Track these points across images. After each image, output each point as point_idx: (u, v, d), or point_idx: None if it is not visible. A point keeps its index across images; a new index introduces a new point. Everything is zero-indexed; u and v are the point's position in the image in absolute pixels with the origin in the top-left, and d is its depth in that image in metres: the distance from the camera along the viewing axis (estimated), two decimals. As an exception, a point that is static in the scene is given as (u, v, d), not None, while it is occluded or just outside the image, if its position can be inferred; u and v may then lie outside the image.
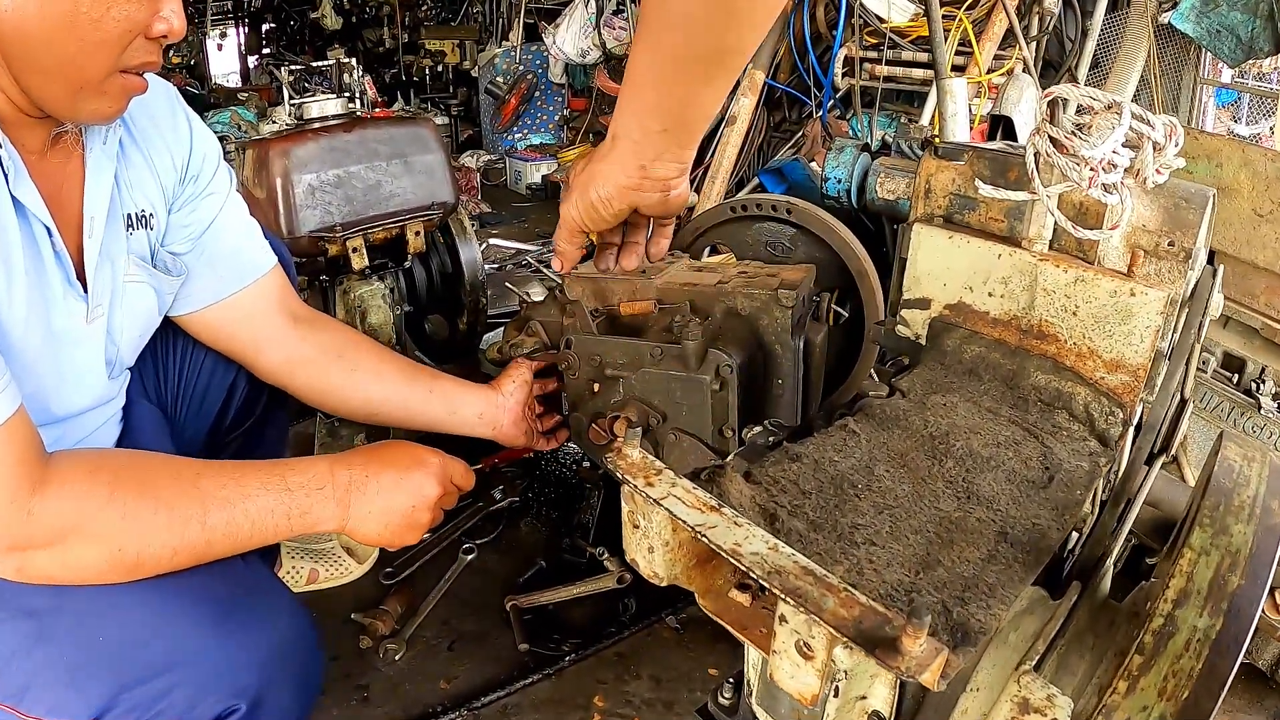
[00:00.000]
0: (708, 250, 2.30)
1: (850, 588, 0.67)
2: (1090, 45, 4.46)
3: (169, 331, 1.56)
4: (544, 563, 2.21)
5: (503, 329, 3.28)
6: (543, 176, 6.35)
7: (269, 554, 1.98)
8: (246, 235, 1.56)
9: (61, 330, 1.22)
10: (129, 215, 1.34)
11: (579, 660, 1.91)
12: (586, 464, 2.50)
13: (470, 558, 2.24)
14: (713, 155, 4.39)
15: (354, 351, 1.64)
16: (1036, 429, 1.18)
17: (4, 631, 1.11)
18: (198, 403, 1.68)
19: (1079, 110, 1.22)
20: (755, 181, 4.55)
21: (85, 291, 1.25)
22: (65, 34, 1.04)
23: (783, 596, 0.67)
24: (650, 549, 0.84)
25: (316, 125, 2.42)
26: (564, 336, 1.87)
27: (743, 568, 0.72)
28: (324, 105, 2.54)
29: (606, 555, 2.12)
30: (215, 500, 1.17)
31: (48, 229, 1.17)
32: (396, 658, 1.94)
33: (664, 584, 0.87)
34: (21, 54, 1.06)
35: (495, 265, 4.64)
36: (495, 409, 1.69)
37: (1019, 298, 1.25)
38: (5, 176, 1.08)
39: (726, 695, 1.37)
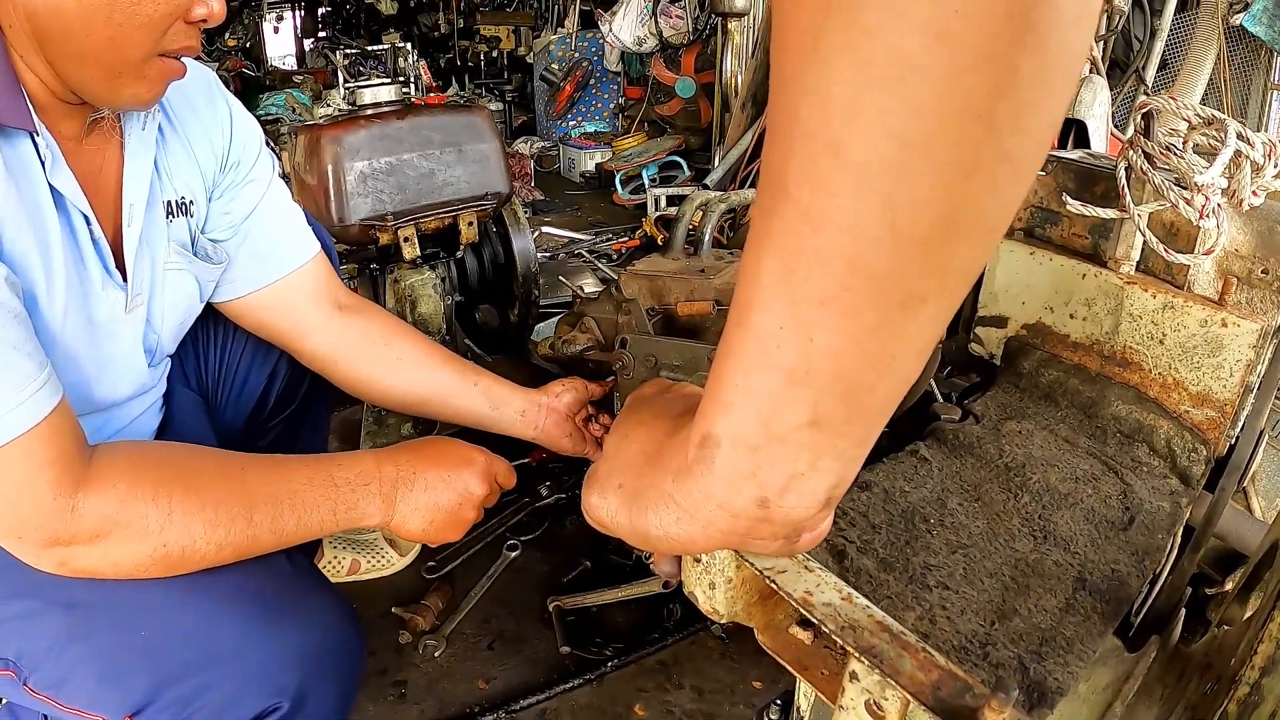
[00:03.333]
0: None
1: (929, 649, 0.62)
2: (1159, 46, 4.35)
3: (210, 318, 1.54)
4: (589, 563, 2.17)
5: (555, 321, 3.26)
6: (596, 165, 6.32)
7: (310, 544, 1.97)
8: (289, 222, 1.53)
9: (101, 319, 1.20)
10: (169, 203, 1.31)
11: (621, 666, 1.87)
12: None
13: (514, 555, 2.21)
14: (769, 150, 4.32)
15: (399, 340, 1.60)
16: (1115, 463, 1.12)
17: (44, 623, 1.10)
18: (238, 390, 1.66)
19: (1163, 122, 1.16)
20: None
21: (125, 280, 1.22)
22: (103, 17, 1.01)
23: (856, 655, 0.63)
24: (711, 585, 0.80)
25: (370, 112, 2.40)
26: (619, 335, 1.84)
27: (815, 619, 0.67)
28: (377, 92, 2.51)
29: (653, 559, 2.08)
30: (261, 496, 1.15)
31: (86, 217, 1.14)
32: (436, 655, 1.92)
33: (723, 620, 0.83)
34: (58, 38, 1.03)
35: (547, 254, 4.62)
36: (538, 410, 1.65)
37: (1103, 321, 1.18)
38: (43, 165, 1.06)
39: (773, 716, 1.33)
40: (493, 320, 2.93)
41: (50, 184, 1.07)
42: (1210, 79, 4.32)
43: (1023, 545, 0.94)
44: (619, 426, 0.76)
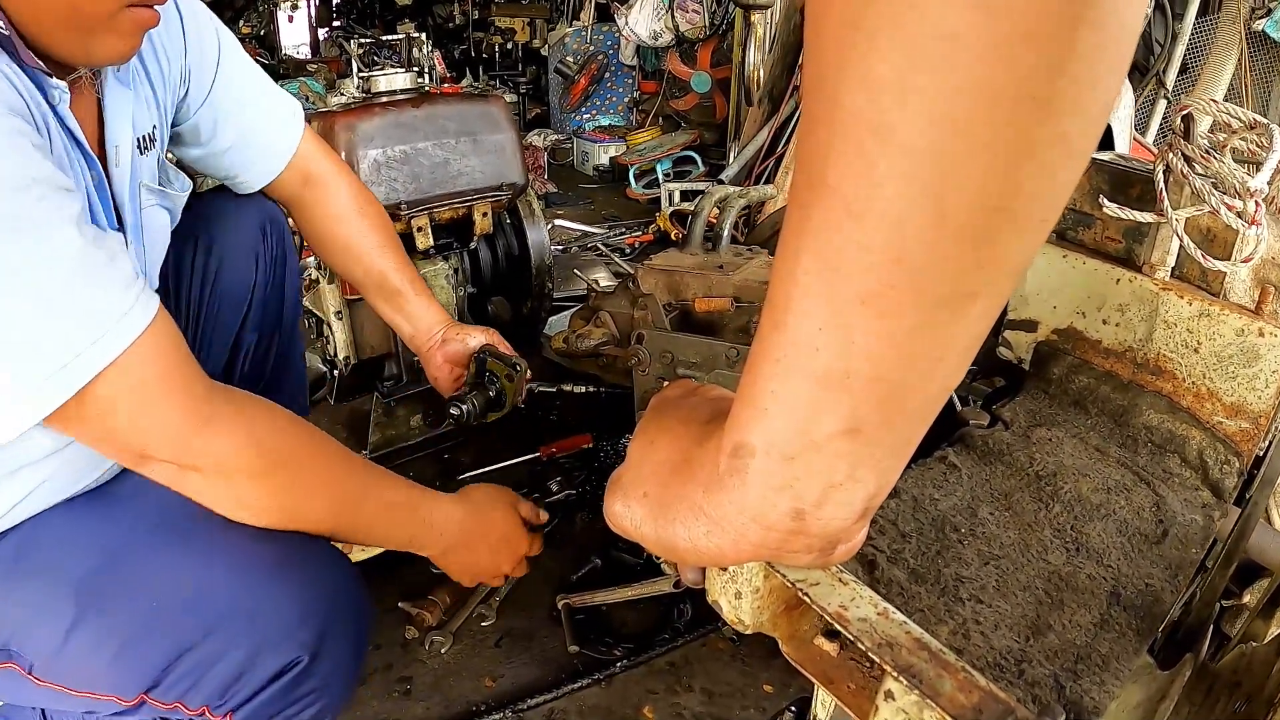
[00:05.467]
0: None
1: (969, 669, 0.60)
2: (1179, 50, 4.31)
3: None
4: (598, 560, 2.14)
5: (568, 315, 3.23)
6: (610, 158, 6.29)
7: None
8: (265, 100, 1.63)
9: None
10: (138, 139, 1.31)
11: (630, 667, 1.85)
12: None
13: (522, 551, 2.18)
14: (786, 144, 4.29)
15: (347, 225, 1.76)
16: (1147, 474, 1.09)
17: (48, 607, 1.08)
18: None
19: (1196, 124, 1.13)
20: (827, 175, 4.44)
21: (120, 224, 1.22)
22: None
23: (894, 674, 0.60)
24: (738, 595, 0.77)
25: (384, 100, 2.37)
26: (635, 330, 1.81)
27: (850, 636, 0.65)
28: (391, 79, 2.49)
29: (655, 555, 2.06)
30: (373, 491, 1.29)
31: (88, 159, 1.12)
32: (442, 651, 1.89)
33: (748, 631, 0.80)
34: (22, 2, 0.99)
35: (560, 247, 4.59)
36: (430, 340, 1.82)
37: (1136, 328, 1.15)
38: (55, 107, 1.05)
39: (787, 725, 1.30)
40: (505, 313, 2.90)
41: (66, 125, 1.07)
42: (1230, 84, 4.28)
43: (1056, 557, 0.91)
44: (644, 431, 0.72)
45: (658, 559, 2.07)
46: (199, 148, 1.55)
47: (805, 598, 0.67)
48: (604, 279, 3.74)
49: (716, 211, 2.20)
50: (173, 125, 1.48)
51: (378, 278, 1.78)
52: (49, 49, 1.04)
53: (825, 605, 0.65)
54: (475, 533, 1.45)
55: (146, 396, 1.00)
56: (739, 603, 0.77)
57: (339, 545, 2.04)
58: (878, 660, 0.61)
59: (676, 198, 5.15)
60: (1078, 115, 0.40)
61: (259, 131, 1.61)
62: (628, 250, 4.44)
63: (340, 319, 2.42)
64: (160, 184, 1.37)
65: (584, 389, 2.77)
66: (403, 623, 1.94)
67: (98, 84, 1.21)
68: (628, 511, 0.68)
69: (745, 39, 4.22)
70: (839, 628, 0.64)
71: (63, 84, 1.06)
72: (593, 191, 6.00)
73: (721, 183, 4.49)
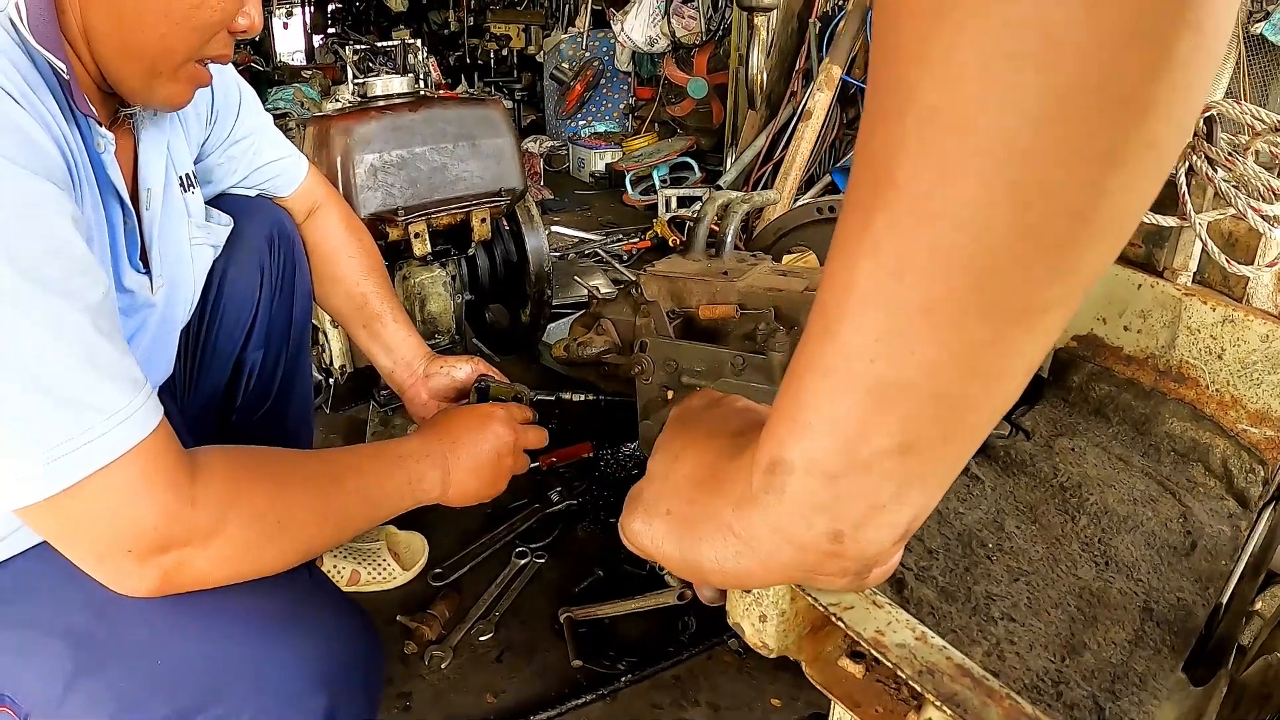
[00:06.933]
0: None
1: (1014, 695, 0.57)
2: (1179, 52, 4.30)
3: None
4: (601, 572, 2.11)
5: (565, 323, 3.20)
6: (606, 164, 6.27)
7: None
8: (275, 136, 1.65)
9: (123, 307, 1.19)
10: (181, 178, 1.34)
11: (635, 681, 1.81)
12: (651, 472, 2.40)
13: (523, 562, 2.15)
14: (784, 149, 4.26)
15: (335, 262, 1.74)
16: (1171, 483, 1.06)
17: (43, 657, 1.02)
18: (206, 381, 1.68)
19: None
20: (827, 180, 4.42)
21: (146, 268, 1.23)
22: (160, 14, 1.03)
23: (938, 703, 0.57)
24: (762, 618, 0.73)
25: (381, 103, 2.33)
26: (638, 339, 1.77)
27: (889, 663, 0.61)
28: (389, 83, 2.46)
29: (668, 571, 2.02)
30: (344, 466, 1.21)
31: (123, 206, 1.14)
32: (442, 666, 1.85)
33: (773, 655, 0.77)
34: (109, 27, 1.03)
35: (558, 254, 4.56)
36: (410, 375, 1.72)
37: (1159, 335, 1.12)
38: (97, 154, 1.06)
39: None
40: (503, 320, 2.87)
41: (106, 173, 1.08)
42: (1229, 87, 4.27)
43: (1085, 572, 0.89)
44: (666, 444, 0.69)
45: (661, 571, 2.03)
46: (209, 186, 1.55)
47: (839, 623, 0.63)
48: (602, 285, 3.70)
49: (717, 217, 2.17)
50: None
51: (359, 300, 1.72)
52: (116, 84, 1.10)
53: (861, 631, 0.62)
54: (465, 462, 1.35)
55: (136, 493, 0.93)
56: (763, 626, 0.74)
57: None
58: (920, 689, 0.58)
59: (674, 204, 5.12)
60: (1170, 121, 0.37)
61: (269, 176, 1.64)
62: (625, 257, 4.41)
63: (336, 328, 2.38)
64: (209, 219, 1.41)
65: (583, 397, 2.74)
66: (401, 637, 1.90)
67: (133, 127, 1.23)
68: (648, 529, 0.65)
69: (748, 42, 4.20)
70: (876, 655, 0.61)
71: (110, 135, 1.08)
72: (589, 198, 5.97)
73: (720, 188, 4.46)
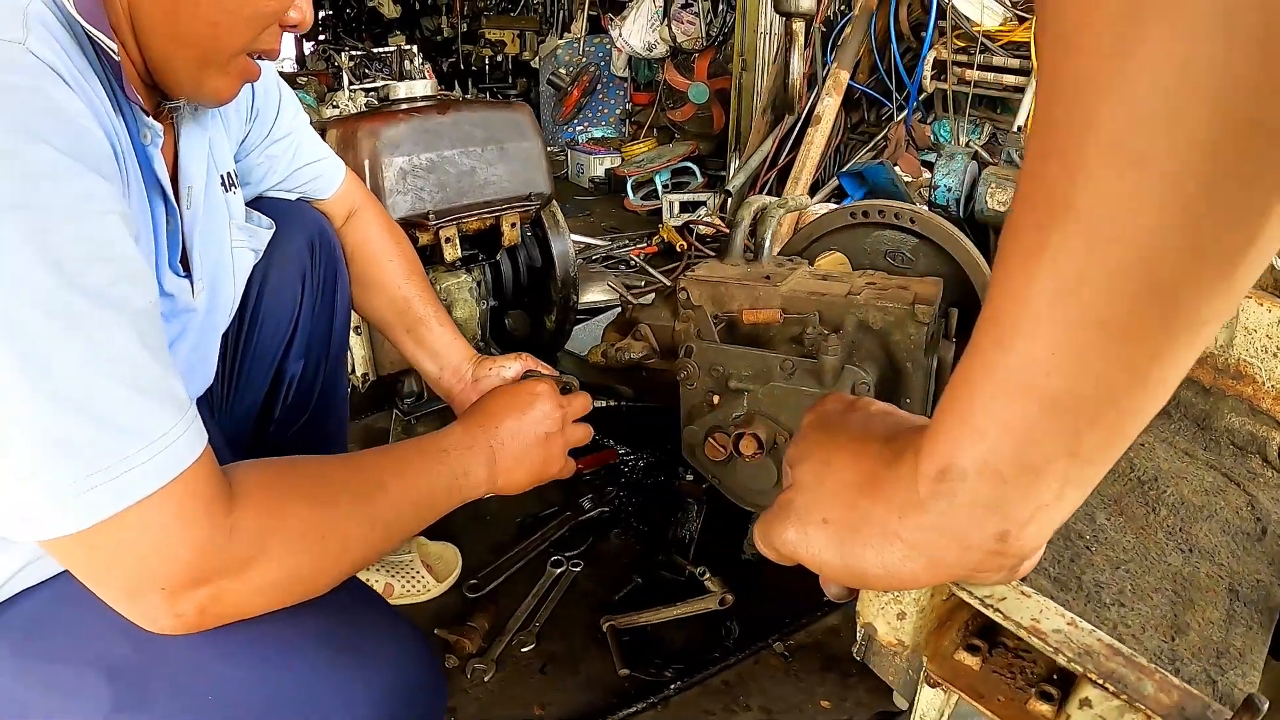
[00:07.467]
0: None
1: (1164, 671, 0.60)
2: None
3: None
4: (639, 579, 2.08)
5: (586, 327, 3.17)
6: (607, 170, 6.26)
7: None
8: (313, 136, 1.60)
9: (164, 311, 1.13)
10: (223, 177, 1.29)
11: (684, 688, 1.79)
12: (689, 477, 2.39)
13: (559, 571, 2.12)
14: (790, 155, 4.26)
15: (375, 264, 1.68)
16: (1234, 475, 1.12)
17: (82, 695, 0.95)
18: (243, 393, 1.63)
19: None
20: (834, 183, 4.42)
21: (188, 270, 1.17)
22: (213, 2, 0.99)
23: (1098, 680, 0.60)
24: (901, 615, 0.73)
25: (405, 106, 2.30)
26: (683, 344, 1.75)
27: (1049, 649, 0.63)
28: (412, 87, 2.43)
29: (708, 575, 2.00)
30: (384, 467, 1.12)
31: (167, 203, 1.08)
32: (485, 679, 1.82)
33: (906, 652, 0.76)
34: (160, 13, 0.98)
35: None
36: (458, 379, 1.61)
37: (1218, 335, 1.16)
38: (144, 147, 1.01)
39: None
40: (523, 327, 2.84)
41: (152, 167, 1.03)
42: None
43: (1174, 559, 0.94)
44: (813, 451, 0.68)
45: (701, 575, 2.02)
46: (248, 187, 1.50)
47: (996, 615, 0.65)
48: (601, 290, 3.70)
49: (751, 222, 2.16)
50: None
51: (401, 305, 1.64)
52: (162, 75, 1.05)
53: (1019, 620, 0.64)
54: (512, 448, 1.28)
55: (175, 526, 0.86)
56: (901, 623, 0.74)
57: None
58: (1081, 670, 0.60)
59: (676, 208, 5.12)
60: None
61: (309, 178, 1.59)
62: (632, 262, 4.39)
63: (359, 334, 2.35)
64: (250, 220, 1.36)
65: (606, 403, 2.72)
66: (441, 651, 1.87)
67: (175, 122, 1.17)
68: (804, 539, 0.65)
69: (788, 47, 4.20)
70: (1034, 641, 0.63)
71: (158, 125, 1.03)
72: (590, 203, 5.97)
73: (729, 193, 4.46)
